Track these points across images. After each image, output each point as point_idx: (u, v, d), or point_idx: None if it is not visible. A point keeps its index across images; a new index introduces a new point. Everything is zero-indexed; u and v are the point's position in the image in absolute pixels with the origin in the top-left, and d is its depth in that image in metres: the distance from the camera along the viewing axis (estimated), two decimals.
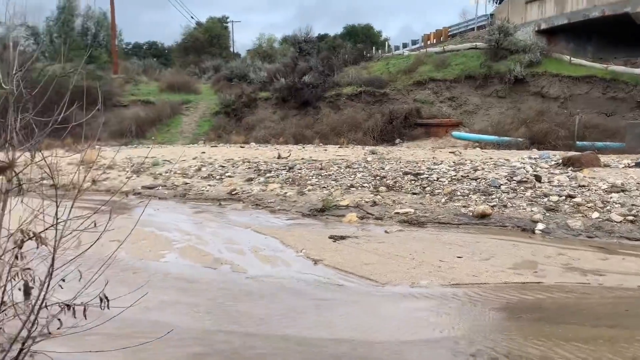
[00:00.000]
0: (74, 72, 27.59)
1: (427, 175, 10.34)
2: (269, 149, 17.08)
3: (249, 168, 12.43)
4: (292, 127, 21.00)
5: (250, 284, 5.46)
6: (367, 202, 8.93)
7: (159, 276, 5.67)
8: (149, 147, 19.79)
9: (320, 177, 11.00)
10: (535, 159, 11.80)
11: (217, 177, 11.74)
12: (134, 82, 30.49)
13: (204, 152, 16.12)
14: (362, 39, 45.74)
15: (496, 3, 31.96)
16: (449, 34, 32.32)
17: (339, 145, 17.91)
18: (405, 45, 38.50)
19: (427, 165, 11.67)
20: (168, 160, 14.07)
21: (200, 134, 23.33)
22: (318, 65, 26.03)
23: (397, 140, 19.92)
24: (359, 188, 9.94)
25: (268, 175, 11.44)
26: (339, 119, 21.05)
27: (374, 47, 33.98)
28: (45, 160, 3.21)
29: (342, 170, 11.36)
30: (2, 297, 3.24)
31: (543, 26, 23.74)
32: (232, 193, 10.30)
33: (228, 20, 60.11)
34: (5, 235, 3.20)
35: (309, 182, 10.58)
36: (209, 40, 54.67)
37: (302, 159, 13.52)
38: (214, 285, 5.45)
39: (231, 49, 57.66)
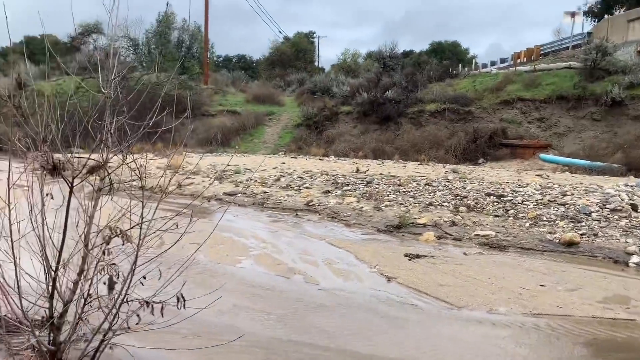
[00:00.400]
0: (167, 82, 29.18)
1: (511, 198, 9.85)
2: (348, 162, 17.10)
3: (327, 180, 12.47)
4: (372, 141, 20.92)
5: (322, 296, 5.42)
6: (445, 221, 8.64)
7: (233, 281, 5.78)
8: (232, 155, 20.50)
9: (398, 193, 10.81)
10: (632, 186, 10.89)
11: (295, 187, 11.88)
12: (222, 93, 31.81)
13: (283, 163, 16.42)
14: (448, 56, 44.95)
15: (594, 21, 30.23)
16: (541, 52, 30.95)
17: (418, 162, 17.59)
18: (493, 63, 37.38)
19: (511, 187, 11.13)
20: (249, 169, 14.45)
21: (281, 144, 23.84)
22: (402, 80, 25.83)
23: (480, 160, 19.24)
24: (438, 207, 9.65)
25: (345, 188, 11.41)
26: (420, 136, 20.70)
27: (460, 65, 33.23)
28: (135, 163, 3.35)
29: (421, 188, 11.10)
30: (89, 290, 3.42)
31: None
32: (309, 204, 10.36)
33: (314, 35, 61.35)
34: (95, 231, 3.38)
35: (386, 197, 10.43)
36: (295, 54, 56.03)
37: (381, 174, 13.39)
38: (287, 295, 5.46)
39: (316, 63, 58.76)
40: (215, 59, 57.92)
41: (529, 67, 24.52)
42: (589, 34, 26.48)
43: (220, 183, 12.80)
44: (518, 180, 12.77)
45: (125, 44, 44.00)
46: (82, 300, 3.33)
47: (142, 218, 3.15)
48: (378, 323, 4.83)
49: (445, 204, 9.79)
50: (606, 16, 27.71)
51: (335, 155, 20.12)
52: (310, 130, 24.56)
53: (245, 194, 11.55)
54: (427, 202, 9.92)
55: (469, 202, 9.77)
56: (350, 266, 6.51)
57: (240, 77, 43.12)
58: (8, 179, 3.08)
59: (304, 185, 11.95)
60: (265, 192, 11.52)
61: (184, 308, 3.22)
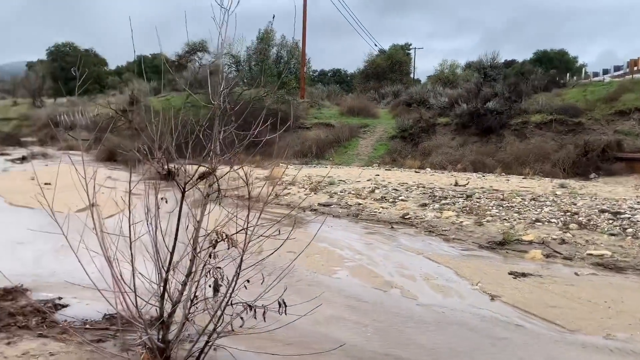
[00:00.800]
0: (266, 96, 30.30)
1: (630, 216, 9.00)
2: (445, 175, 16.62)
3: (424, 193, 12.18)
4: (471, 154, 20.19)
5: (420, 312, 5.25)
6: (554, 239, 8.07)
7: (329, 291, 5.77)
8: (326, 167, 20.75)
9: (501, 208, 10.29)
10: None
11: (390, 200, 11.72)
12: (317, 106, 32.40)
13: (378, 175, 16.31)
14: (555, 65, 42.45)
15: None
16: None
17: (522, 176, 16.67)
18: (606, 72, 34.82)
19: (629, 204, 10.20)
20: (343, 180, 14.52)
21: (375, 157, 23.74)
22: (504, 91, 24.74)
23: (592, 175, 17.81)
24: (545, 223, 9.04)
25: (444, 202, 11.07)
26: (524, 148, 19.63)
27: (567, 74, 31.24)
28: (243, 170, 3.45)
29: (526, 203, 10.49)
30: (195, 291, 3.56)
31: None
32: (405, 217, 10.16)
33: (410, 47, 60.74)
34: (203, 235, 3.52)
35: (488, 212, 9.97)
36: (390, 66, 55.84)
37: (482, 187, 12.84)
38: (383, 308, 5.35)
39: (411, 75, 58.17)
40: (310, 73, 59.27)
41: None
42: None
43: (315, 194, 12.97)
44: (637, 197, 11.67)
45: (228, 61, 46.46)
46: (189, 301, 3.47)
47: (248, 222, 3.22)
48: (481, 342, 4.58)
49: (553, 220, 9.15)
50: None
51: (431, 168, 19.65)
52: (405, 142, 24.23)
53: (339, 205, 11.59)
54: (533, 218, 9.33)
55: (580, 219, 9.06)
56: (450, 282, 6.26)
57: (335, 90, 43.77)
58: (129, 185, 3.29)
59: (400, 198, 11.75)
60: (360, 204, 11.48)
61: (285, 314, 3.24)
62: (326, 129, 27.00)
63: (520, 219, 9.37)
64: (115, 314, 4.76)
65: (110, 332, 4.54)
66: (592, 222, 8.81)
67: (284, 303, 3.25)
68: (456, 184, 13.36)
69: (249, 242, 3.24)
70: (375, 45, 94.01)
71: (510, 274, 6.54)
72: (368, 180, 14.70)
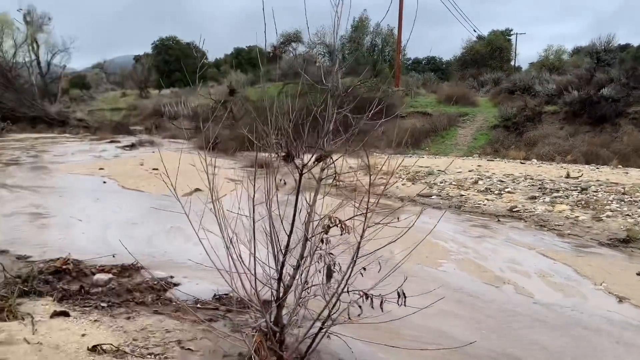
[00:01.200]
0: (363, 84, 30.26)
1: None
2: (554, 167, 15.51)
3: (532, 185, 11.42)
4: (583, 144, 18.69)
5: (539, 311, 4.86)
6: None
7: (436, 284, 5.52)
8: (423, 157, 20.21)
9: (622, 202, 9.38)
10: None
11: (496, 191, 11.11)
12: (412, 95, 31.67)
13: (479, 165, 15.58)
14: None
15: None
16: None
17: None
18: None
19: None
20: (442, 171, 14.01)
21: (475, 147, 22.76)
22: (621, 76, 22.64)
23: None
24: None
25: (555, 195, 10.30)
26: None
27: None
28: (365, 154, 3.32)
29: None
30: (306, 277, 3.50)
31: None
32: (512, 210, 9.58)
33: (512, 32, 57.42)
34: (316, 219, 3.44)
35: (607, 207, 9.12)
36: (490, 53, 53.35)
37: (597, 180, 11.81)
38: (497, 305, 5.03)
39: (512, 62, 55.19)
40: (405, 61, 58.13)
41: None
42: None
43: (413, 184, 12.64)
44: None
45: (322, 50, 46.84)
46: (301, 286, 3.42)
47: (368, 207, 3.09)
48: (608, 347, 4.15)
49: None
50: None
51: (538, 159, 18.45)
52: (508, 131, 22.98)
53: (440, 196, 11.19)
54: None
55: None
56: (569, 281, 5.76)
57: (430, 78, 42.61)
58: (254, 169, 3.28)
59: (506, 190, 11.11)
60: (462, 195, 11.01)
61: (405, 305, 3.09)
62: (422, 118, 26.34)
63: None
64: (226, 294, 4.90)
65: (220, 312, 4.64)
66: None
67: (404, 294, 3.09)
68: (568, 176, 12.40)
69: (366, 228, 3.11)
70: (474, 31, 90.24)
71: (638, 274, 5.90)
72: (470, 171, 14.08)
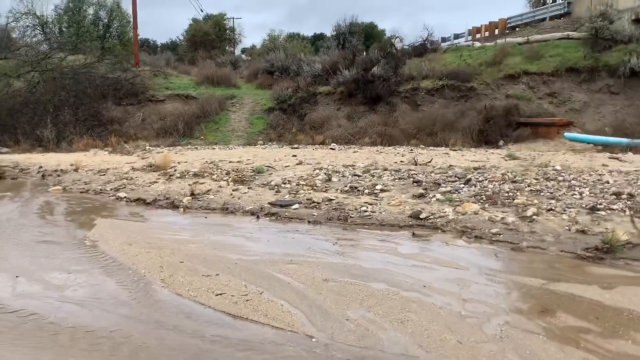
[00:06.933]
0: (97, 62, 24.24)
1: None
2: (366, 151, 14.00)
3: (399, 179, 9.35)
4: (374, 125, 17.88)
5: None
6: None
7: None
8: (198, 148, 16.71)
9: (517, 192, 7.97)
10: None
11: (366, 191, 8.63)
12: (163, 76, 27.22)
13: (295, 156, 13.02)
14: (369, 36, 42.04)
15: None
16: (508, 25, 29.46)
17: (449, 148, 14.91)
18: (444, 40, 35.62)
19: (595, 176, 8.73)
20: (270, 166, 10.97)
21: (255, 132, 20.19)
22: (379, 57, 22.90)
23: (501, 142, 16.94)
24: (607, 211, 6.91)
25: (442, 189, 8.37)
26: (423, 117, 18.02)
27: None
28: None
29: (549, 183, 8.33)
30: None
31: None
32: (417, 217, 7.21)
33: (225, 16, 55.77)
34: None
35: (515, 200, 7.54)
36: (219, 34, 51.58)
37: (451, 166, 10.48)
38: None
39: (239, 45, 54.82)
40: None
41: (521, 38, 22.57)
42: (569, 3, 25.10)
43: (250, 188, 9.26)
44: (602, 166, 10.44)
45: (31, 22, 37.51)
46: None
47: None
48: None
49: (613, 207, 7.06)
50: None
51: (335, 143, 16.92)
52: (287, 114, 21.07)
53: (301, 203, 8.15)
54: (584, 205, 7.15)
55: None
56: None
57: (170, 58, 38.34)
58: None
59: (377, 187, 8.74)
60: (330, 200, 8.19)
61: None
62: (185, 102, 22.46)
63: (572, 207, 7.11)
64: None
65: None
66: None
67: None
68: (416, 163, 10.80)
69: None
70: (202, 11, 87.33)
71: None
72: (298, 164, 11.35)
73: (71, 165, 12.49)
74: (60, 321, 4.12)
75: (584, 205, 7.15)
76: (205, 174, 10.47)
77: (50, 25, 40.26)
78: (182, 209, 8.29)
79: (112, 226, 7.32)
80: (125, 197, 9.29)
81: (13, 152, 16.24)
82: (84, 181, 10.91)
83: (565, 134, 16.83)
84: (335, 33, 32.25)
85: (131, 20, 35.38)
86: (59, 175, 11.73)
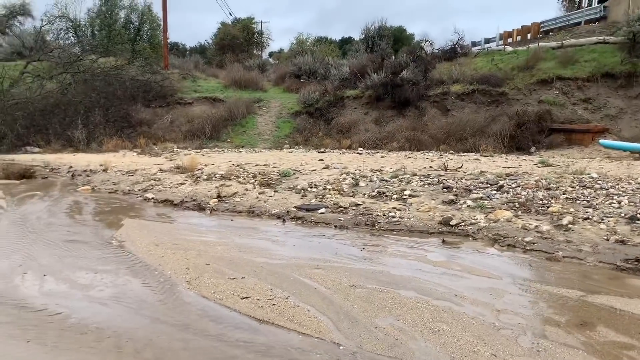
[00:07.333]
0: (128, 65, 24.54)
1: None
2: (395, 156, 13.79)
3: (429, 184, 9.15)
4: (401, 130, 17.65)
5: None
6: None
7: None
8: (224, 150, 16.74)
9: (554, 199, 7.69)
10: None
11: (395, 196, 8.47)
12: (192, 79, 27.50)
13: (321, 160, 12.92)
14: (397, 40, 41.74)
15: None
16: (542, 30, 28.84)
17: (480, 154, 14.62)
18: (474, 44, 35.11)
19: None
20: (297, 171, 10.90)
21: (281, 136, 20.16)
22: (408, 60, 22.66)
23: (532, 149, 16.52)
24: None
25: (473, 196, 8.15)
26: (455, 122, 17.69)
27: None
28: None
29: (585, 191, 8.03)
30: None
31: None
32: (447, 223, 7.02)
33: (254, 20, 56.00)
34: None
35: (550, 208, 7.27)
36: (247, 38, 51.88)
37: (482, 172, 10.23)
38: None
39: (267, 49, 55.05)
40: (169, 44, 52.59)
41: (555, 43, 22.05)
42: (605, 7, 24.43)
43: (276, 192, 9.19)
44: (630, 175, 10.03)
45: (64, 25, 38.41)
46: None
47: None
48: None
49: None
50: None
51: (362, 147, 16.77)
52: (313, 118, 20.99)
53: (328, 207, 8.03)
54: (623, 214, 6.84)
55: None
56: None
57: (198, 61, 38.78)
58: None
59: (405, 193, 8.57)
60: (358, 205, 8.06)
61: None
62: (213, 105, 22.59)
63: (606, 215, 6.82)
64: None
65: None
66: None
67: None
68: (446, 169, 10.58)
69: None
70: (230, 15, 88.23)
71: None
72: (324, 169, 11.24)
73: (100, 165, 12.65)
74: (86, 321, 4.09)
75: (622, 215, 6.85)
76: (232, 177, 10.45)
77: (83, 28, 41.26)
78: (208, 211, 8.27)
79: (139, 227, 7.33)
80: (152, 198, 9.33)
81: (44, 152, 16.57)
82: (113, 181, 11.01)
83: (601, 140, 16.30)
84: (363, 36, 32.20)
85: (161, 23, 35.98)
86: (88, 176, 11.88)
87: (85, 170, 12.41)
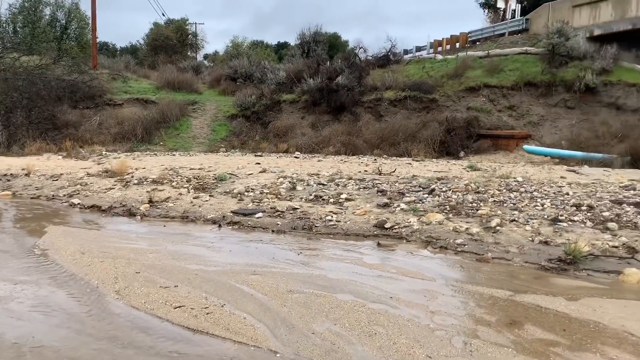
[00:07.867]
0: (54, 64, 23.29)
1: None
2: (331, 160, 13.91)
3: (364, 188, 9.27)
4: (338, 134, 17.81)
5: None
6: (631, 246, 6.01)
7: None
8: (174, 155, 16.28)
9: (483, 202, 8.01)
10: None
11: (331, 200, 8.52)
12: (122, 79, 26.48)
13: (258, 163, 12.80)
14: (332, 46, 42.31)
15: (521, 5, 30.03)
16: (469, 39, 30.12)
17: (412, 158, 15.00)
18: (406, 52, 36.15)
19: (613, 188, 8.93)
20: (233, 174, 10.72)
21: (217, 139, 19.82)
22: (343, 66, 22.93)
23: (462, 153, 17.18)
24: (568, 222, 7.00)
25: (407, 199, 8.33)
26: (388, 128, 18.09)
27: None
28: None
29: (511, 194, 8.41)
30: None
31: (597, 32, 21.68)
32: (381, 226, 7.14)
33: (188, 22, 54.81)
34: None
35: (479, 211, 7.56)
36: (181, 39, 50.67)
37: (414, 176, 10.49)
38: None
39: (201, 51, 54.12)
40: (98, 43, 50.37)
41: (482, 52, 23.07)
42: (527, 20, 25.85)
43: (211, 196, 8.99)
44: (560, 179, 10.69)
45: None
46: None
47: None
48: None
49: (574, 218, 7.16)
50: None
51: (299, 151, 16.78)
52: (250, 122, 20.81)
53: (265, 211, 7.96)
54: (546, 216, 7.23)
55: (607, 213, 7.26)
56: None
57: (129, 61, 37.46)
58: None
59: (342, 196, 8.64)
60: (295, 209, 8.03)
61: None
62: (144, 106, 21.86)
63: (534, 217, 7.18)
64: None
65: None
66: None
67: None
68: (380, 173, 10.77)
69: None
70: (163, 15, 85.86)
71: None
72: (261, 172, 11.13)
73: (22, 169, 11.90)
74: (3, 337, 3.80)
75: (546, 217, 7.23)
76: (165, 181, 10.13)
77: (4, 25, 38.76)
78: (139, 217, 7.97)
79: (64, 234, 6.94)
80: (79, 203, 8.87)
81: None
82: (36, 186, 10.39)
83: (525, 146, 17.24)
84: (299, 42, 32.26)
85: (90, 22, 34.45)
86: (8, 180, 11.14)
87: (5, 175, 11.63)
